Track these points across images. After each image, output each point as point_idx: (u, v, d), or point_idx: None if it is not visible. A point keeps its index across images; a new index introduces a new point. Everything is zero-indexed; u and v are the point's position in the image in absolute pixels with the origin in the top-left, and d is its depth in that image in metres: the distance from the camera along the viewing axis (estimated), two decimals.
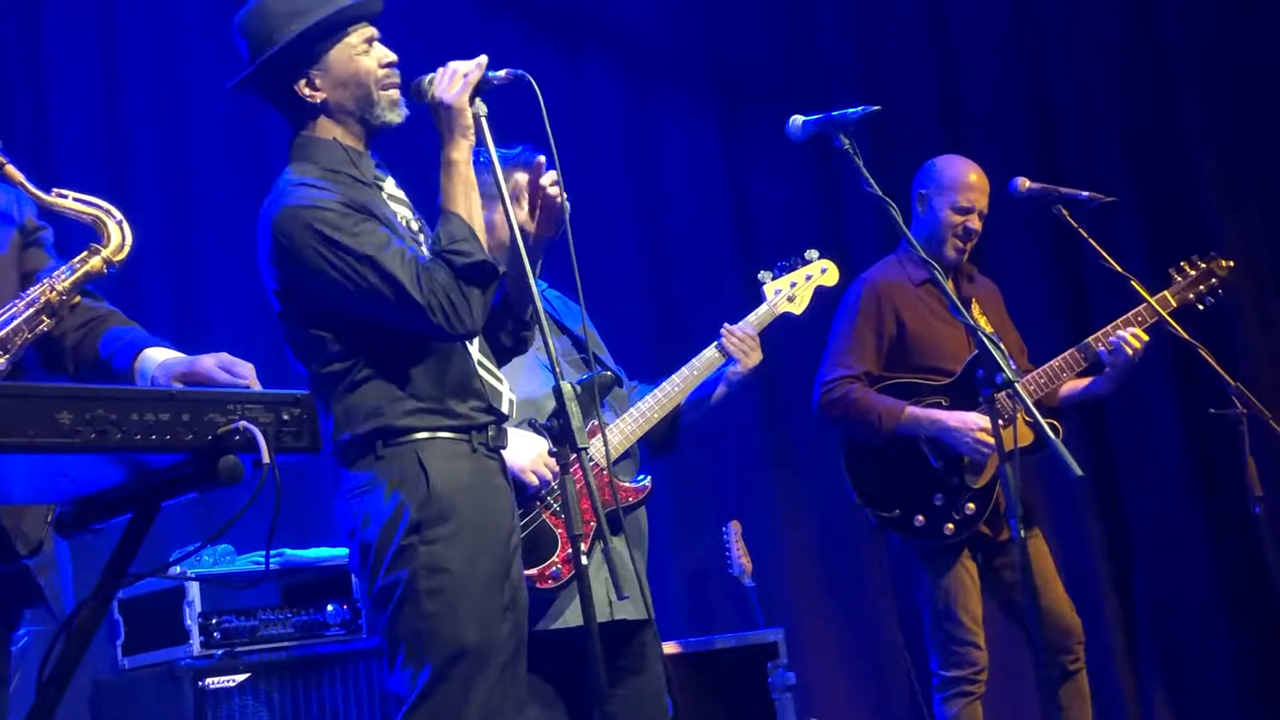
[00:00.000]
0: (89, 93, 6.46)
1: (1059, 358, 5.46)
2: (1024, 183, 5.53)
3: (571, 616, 4.24)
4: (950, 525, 5.29)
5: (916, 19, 8.07)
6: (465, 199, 3.62)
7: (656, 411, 4.63)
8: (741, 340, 4.75)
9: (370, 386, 3.60)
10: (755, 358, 4.76)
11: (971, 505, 5.29)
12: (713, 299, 7.36)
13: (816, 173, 7.68)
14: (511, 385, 3.84)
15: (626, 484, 4.55)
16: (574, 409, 3.44)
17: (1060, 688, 5.36)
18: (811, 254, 5.02)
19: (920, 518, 5.30)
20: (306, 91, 3.72)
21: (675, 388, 4.68)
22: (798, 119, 4.43)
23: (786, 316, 4.96)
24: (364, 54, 3.71)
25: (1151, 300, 5.43)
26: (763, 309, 4.90)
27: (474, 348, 3.72)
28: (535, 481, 4.31)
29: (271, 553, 5.05)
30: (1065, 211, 5.49)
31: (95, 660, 5.12)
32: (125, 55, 6.56)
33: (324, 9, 3.70)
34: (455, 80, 3.62)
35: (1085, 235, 5.43)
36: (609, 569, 3.49)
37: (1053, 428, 5.05)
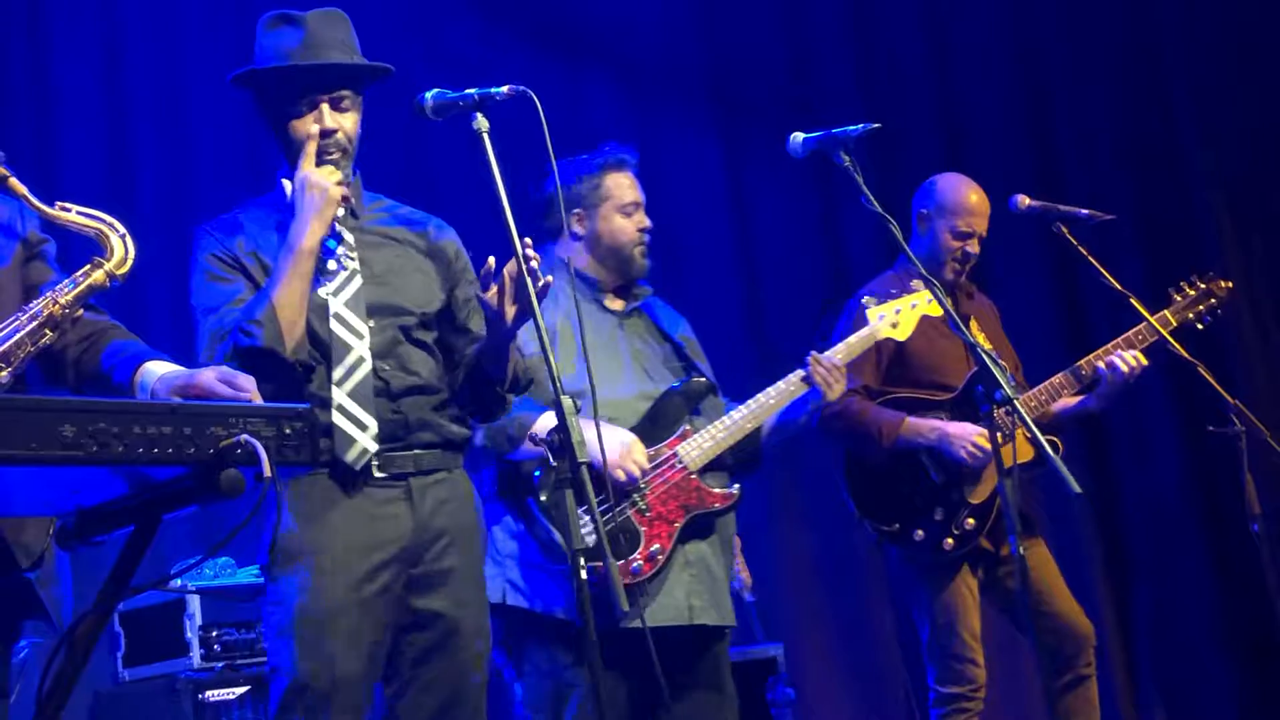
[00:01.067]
0: (93, 103, 6.49)
1: (1057, 376, 5.47)
2: (1024, 200, 5.54)
3: (653, 615, 4.30)
4: (950, 540, 5.29)
5: (916, 35, 8.10)
6: (287, 284, 3.65)
7: (749, 421, 4.66)
8: (828, 371, 4.72)
9: None
10: (839, 389, 4.74)
11: (971, 520, 5.29)
12: (714, 314, 7.38)
13: (816, 188, 7.70)
14: (602, 383, 3.92)
15: (715, 489, 4.58)
16: (574, 423, 3.45)
17: (1070, 694, 5.36)
18: (916, 283, 4.99)
19: (920, 532, 5.30)
20: (276, 130, 3.89)
21: (761, 405, 4.69)
22: (798, 136, 4.45)
23: (887, 341, 5.01)
24: (299, 117, 3.82)
25: (1151, 319, 5.45)
26: (864, 332, 4.91)
27: (342, 391, 3.72)
28: (622, 477, 4.37)
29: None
30: (1065, 229, 5.51)
31: (96, 672, 5.13)
32: (129, 64, 6.59)
33: (277, 62, 3.84)
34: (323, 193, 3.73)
35: (1085, 253, 5.44)
36: (608, 578, 3.48)
37: (1053, 444, 5.06)
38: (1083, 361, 5.48)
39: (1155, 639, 7.60)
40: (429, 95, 3.74)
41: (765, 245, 7.72)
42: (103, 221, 3.33)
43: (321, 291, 3.77)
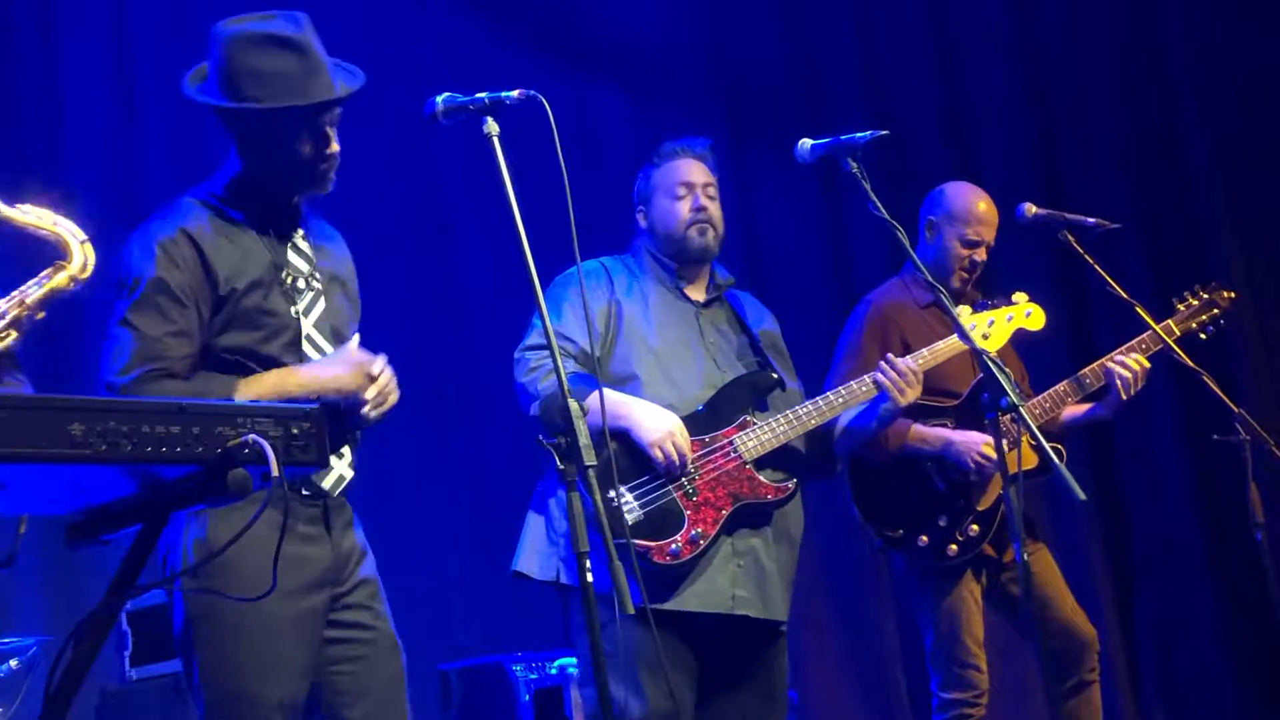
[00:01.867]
0: (102, 105, 6.51)
1: (1061, 383, 5.49)
2: (1030, 208, 5.56)
3: (691, 600, 4.35)
4: (954, 546, 5.31)
5: (922, 42, 8.10)
6: (255, 393, 3.56)
7: (812, 419, 4.63)
8: (901, 376, 4.69)
9: None
10: (913, 395, 4.71)
11: (975, 527, 5.31)
12: None
13: (822, 194, 7.71)
14: (671, 368, 4.02)
15: (766, 481, 4.57)
16: (581, 427, 3.46)
17: (1074, 700, 5.38)
18: (1019, 296, 4.99)
19: (924, 538, 5.31)
20: (236, 131, 3.78)
21: (828, 404, 4.66)
22: (806, 142, 4.46)
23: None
24: (306, 142, 3.69)
25: (1156, 327, 5.47)
26: (952, 339, 4.84)
27: None
28: (661, 458, 4.38)
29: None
30: (1071, 237, 5.52)
31: (103, 671, 5.15)
32: (139, 65, 6.62)
33: (297, 98, 3.67)
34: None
35: (1091, 261, 5.45)
36: (611, 575, 3.49)
37: (1057, 451, 5.09)
38: (1085, 370, 5.49)
39: (1158, 646, 7.60)
40: (440, 99, 3.75)
41: (771, 251, 7.73)
42: (62, 227, 3.30)
43: (293, 309, 3.74)
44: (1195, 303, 5.64)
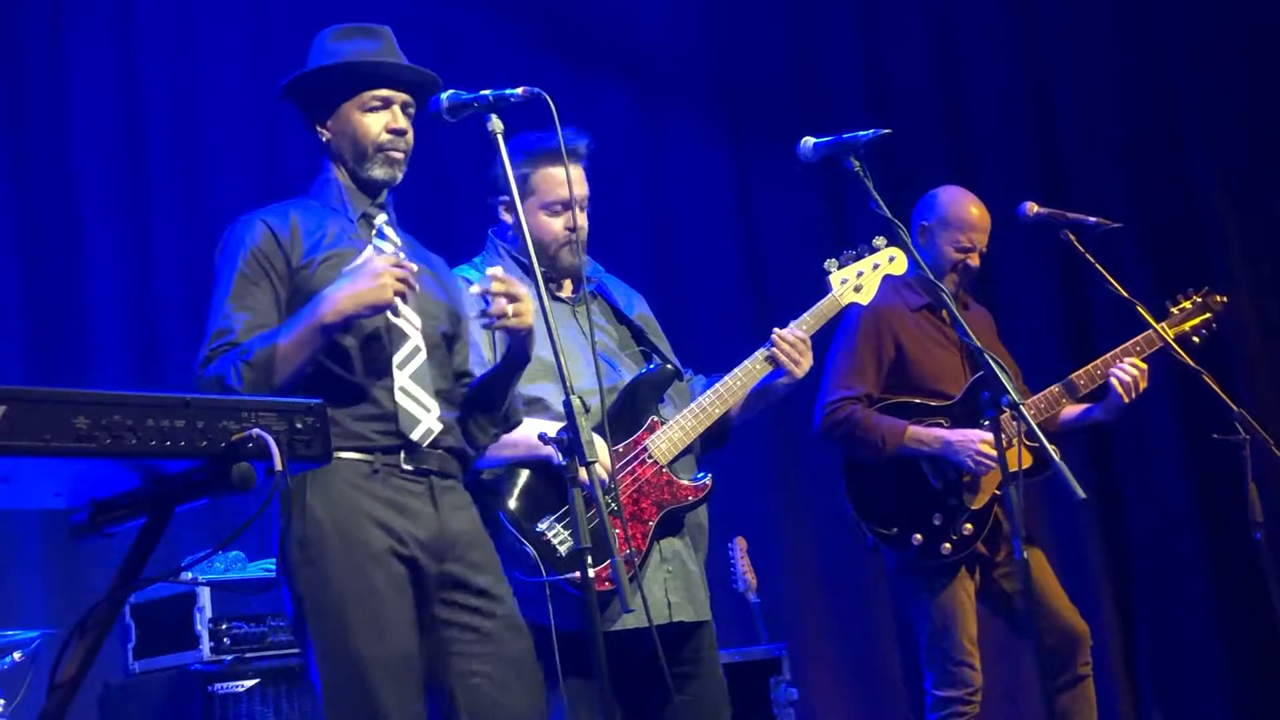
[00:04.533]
0: (109, 104, 6.51)
1: (1058, 384, 5.50)
2: (1032, 207, 5.56)
3: (630, 619, 4.11)
4: (947, 545, 5.32)
5: (924, 42, 8.12)
6: (297, 347, 3.60)
7: (717, 407, 4.55)
8: (792, 346, 4.60)
9: None
10: (805, 364, 4.62)
11: (969, 526, 5.32)
12: (720, 315, 7.42)
13: (823, 192, 7.72)
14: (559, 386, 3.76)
15: (686, 482, 4.49)
16: (583, 423, 3.47)
17: (1068, 693, 5.38)
18: (879, 241, 4.90)
19: (918, 537, 5.32)
20: (318, 127, 3.95)
21: (728, 389, 4.58)
22: (808, 141, 4.47)
23: (853, 308, 4.90)
24: (370, 112, 3.87)
25: (1157, 326, 5.47)
26: (827, 300, 4.78)
27: (403, 374, 3.77)
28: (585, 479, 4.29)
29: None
30: (1072, 236, 5.53)
31: (106, 663, 5.17)
32: (145, 67, 6.62)
33: (336, 54, 3.91)
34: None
35: (1092, 260, 5.45)
36: (615, 576, 3.50)
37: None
38: (1079, 372, 5.51)
39: (1157, 645, 7.61)
40: (444, 96, 3.77)
41: (772, 248, 7.74)
42: None
43: None
44: (1189, 305, 5.66)
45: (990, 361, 4.19)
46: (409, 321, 3.83)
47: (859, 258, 4.88)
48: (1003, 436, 4.42)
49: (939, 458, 5.32)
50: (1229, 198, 7.74)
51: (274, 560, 3.74)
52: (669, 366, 4.59)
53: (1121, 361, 5.46)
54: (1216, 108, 7.80)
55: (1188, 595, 7.57)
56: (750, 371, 4.62)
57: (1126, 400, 5.44)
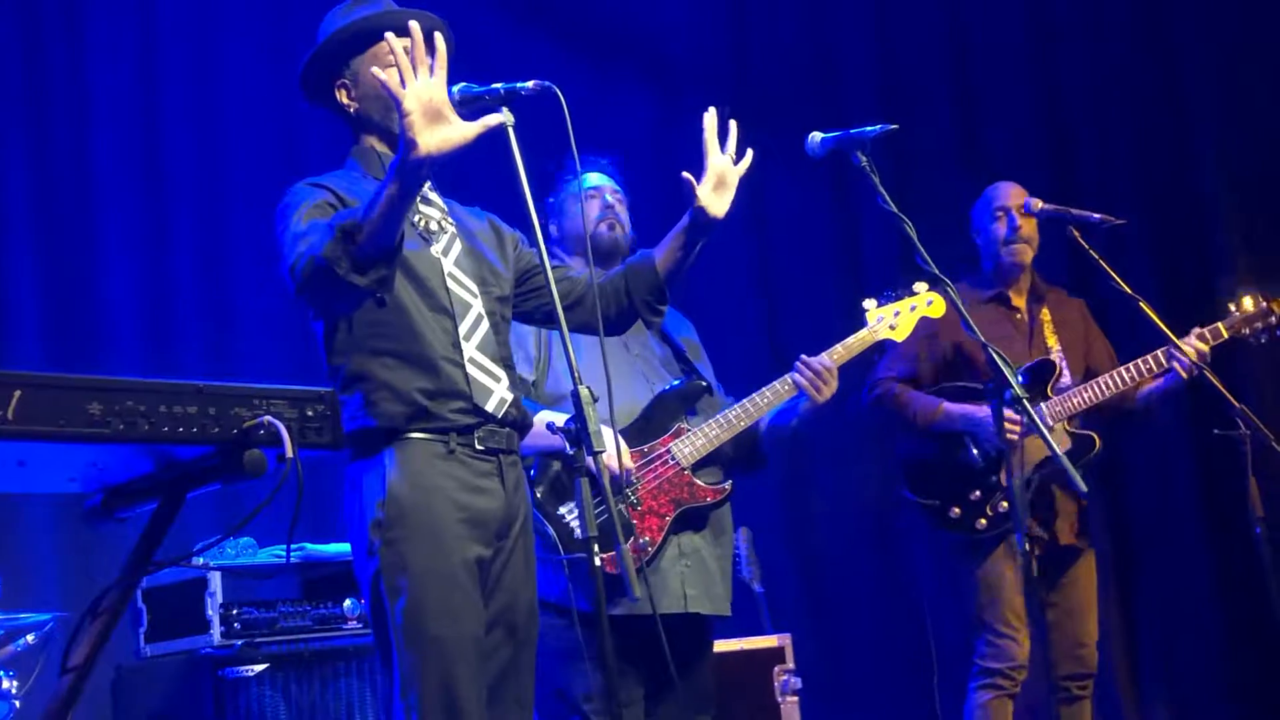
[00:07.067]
0: (128, 103, 6.54)
1: (1084, 386, 5.51)
2: (1037, 203, 5.62)
3: (646, 604, 4.13)
4: (983, 520, 5.47)
5: (937, 41, 8.13)
6: (390, 203, 3.40)
7: (742, 420, 4.78)
8: (816, 375, 4.81)
9: (357, 384, 3.71)
10: (829, 391, 4.82)
11: (1005, 504, 5.39)
12: (730, 314, 7.44)
13: (834, 189, 7.74)
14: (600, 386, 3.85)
15: (705, 484, 4.73)
16: (591, 413, 3.50)
17: (1065, 707, 5.45)
18: (920, 286, 5.10)
19: (956, 510, 5.49)
20: (344, 100, 3.92)
21: (755, 405, 4.81)
22: (816, 135, 4.50)
23: (885, 342, 5.09)
24: (389, 66, 3.56)
25: (1161, 324, 5.50)
26: (862, 333, 5.01)
27: (470, 345, 3.78)
28: (606, 473, 4.38)
29: (292, 546, 5.14)
30: (1078, 233, 5.56)
31: (118, 646, 5.20)
32: (163, 63, 6.65)
33: (343, 20, 3.92)
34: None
35: (1097, 257, 5.49)
36: (620, 563, 3.53)
37: (1089, 440, 5.24)
38: (1107, 375, 5.53)
39: (1159, 641, 7.62)
40: (456, 89, 3.75)
41: (783, 244, 7.76)
42: None
43: (433, 250, 3.83)
44: (1252, 308, 5.65)
45: (993, 354, 4.22)
46: (468, 290, 3.84)
47: (898, 299, 5.11)
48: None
49: (971, 433, 5.41)
50: (1237, 194, 7.74)
51: (283, 546, 3.75)
52: (700, 382, 4.85)
53: (1179, 346, 5.48)
54: (1227, 105, 7.81)
55: (1189, 589, 7.58)
56: (777, 392, 4.83)
57: (1186, 377, 5.51)
